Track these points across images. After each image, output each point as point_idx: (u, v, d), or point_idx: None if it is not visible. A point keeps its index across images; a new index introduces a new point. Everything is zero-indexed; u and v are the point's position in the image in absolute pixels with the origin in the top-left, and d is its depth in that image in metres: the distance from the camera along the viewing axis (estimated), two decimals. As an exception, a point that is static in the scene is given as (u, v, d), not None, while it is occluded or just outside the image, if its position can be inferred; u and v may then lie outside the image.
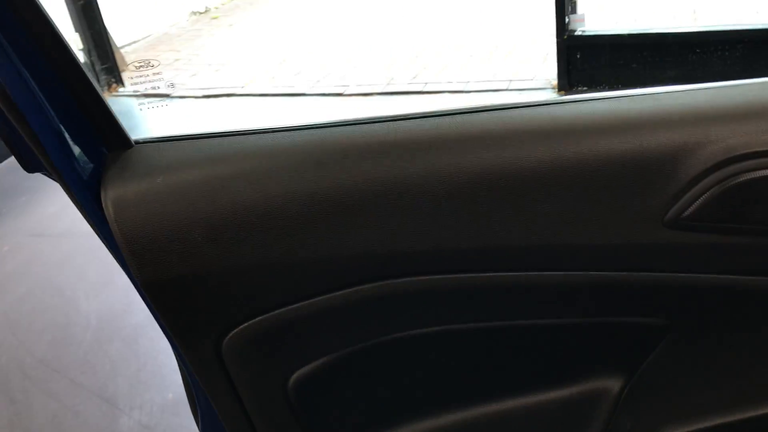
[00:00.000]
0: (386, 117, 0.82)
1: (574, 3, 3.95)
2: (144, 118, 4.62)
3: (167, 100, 4.76)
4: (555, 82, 4.10)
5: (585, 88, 4.03)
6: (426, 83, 4.50)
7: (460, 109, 0.81)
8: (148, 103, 4.44)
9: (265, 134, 0.81)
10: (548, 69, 4.30)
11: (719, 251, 0.79)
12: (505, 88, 4.26)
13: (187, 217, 0.75)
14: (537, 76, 4.33)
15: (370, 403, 0.95)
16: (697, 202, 0.76)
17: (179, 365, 0.92)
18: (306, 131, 0.81)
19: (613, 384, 0.95)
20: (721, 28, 3.85)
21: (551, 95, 4.07)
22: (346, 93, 4.53)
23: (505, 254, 0.80)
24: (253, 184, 0.75)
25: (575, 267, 0.82)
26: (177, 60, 5.58)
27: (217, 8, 7.17)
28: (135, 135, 0.82)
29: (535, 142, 0.77)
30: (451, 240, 0.78)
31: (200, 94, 4.75)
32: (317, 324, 0.84)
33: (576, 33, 3.96)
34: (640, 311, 0.86)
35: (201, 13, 7.01)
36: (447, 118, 0.81)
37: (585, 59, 3.99)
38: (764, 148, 0.74)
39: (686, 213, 0.76)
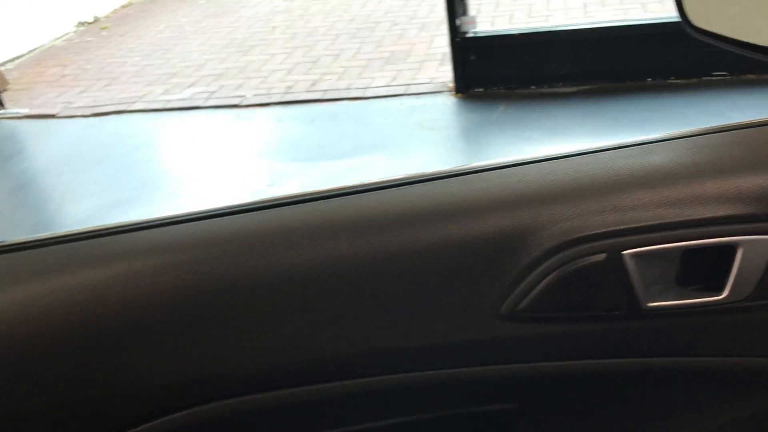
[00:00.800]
0: (178, 216, 0.75)
1: (465, 5, 3.95)
2: (30, 143, 4.37)
3: (54, 121, 4.53)
4: (451, 84, 4.10)
5: (481, 90, 4.04)
6: (325, 90, 4.42)
7: (267, 201, 0.75)
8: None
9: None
10: (445, 72, 4.29)
11: (558, 339, 0.75)
12: (403, 92, 4.23)
13: None
14: (434, 80, 4.32)
15: None
16: (531, 294, 0.72)
17: None
18: (90, 240, 0.73)
19: None
20: (609, 24, 3.93)
21: (449, 98, 4.06)
22: (242, 104, 4.41)
23: (338, 363, 0.74)
24: (26, 313, 0.67)
25: (417, 368, 0.77)
26: (64, 76, 5.32)
27: (107, 17, 6.87)
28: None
29: (354, 236, 0.71)
30: (280, 354, 0.72)
31: (89, 113, 4.53)
32: None
33: (468, 35, 3.96)
34: (488, 400, 0.82)
35: (89, 23, 6.70)
36: (262, 214, 0.74)
37: (479, 61, 4.00)
38: (595, 231, 0.71)
39: (521, 305, 0.72)
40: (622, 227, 0.71)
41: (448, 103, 4.05)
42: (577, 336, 0.75)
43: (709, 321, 0.74)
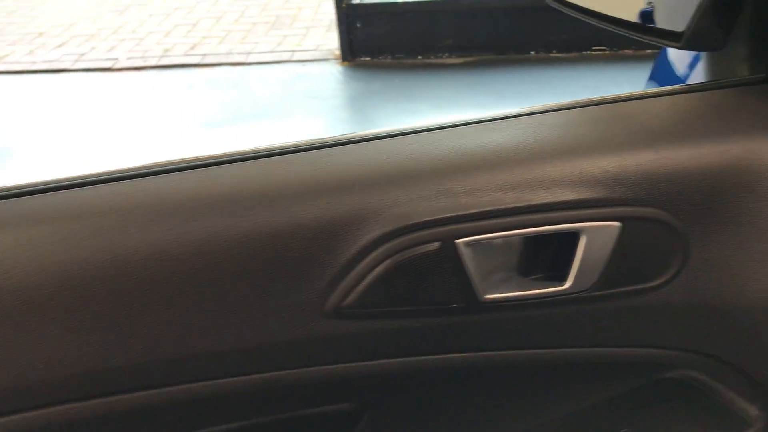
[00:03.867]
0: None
1: (351, -30, 3.83)
2: None
3: None
4: (338, 52, 3.98)
5: (368, 58, 3.94)
6: (204, 55, 4.21)
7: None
8: None
9: None
10: (331, 39, 4.16)
11: (390, 335, 0.68)
12: (287, 59, 4.08)
13: None
14: (320, 47, 4.19)
15: None
16: (357, 289, 0.63)
17: None
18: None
19: None
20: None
21: (335, 66, 3.95)
22: (115, 67, 4.13)
23: (163, 365, 0.64)
24: None
25: (238, 371, 0.67)
26: None
27: (-33, -32, 6.29)
28: None
29: (162, 219, 0.61)
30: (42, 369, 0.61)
31: (-60, 73, 4.13)
32: None
33: (354, 2, 3.85)
34: (324, 401, 0.74)
35: (-54, -26, 6.12)
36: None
37: (365, 29, 3.90)
38: (427, 218, 0.63)
39: (346, 301, 0.64)
40: (456, 214, 0.64)
41: (333, 71, 3.93)
42: (412, 331, 0.68)
43: (551, 312, 0.69)
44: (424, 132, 0.69)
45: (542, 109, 0.72)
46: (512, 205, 0.64)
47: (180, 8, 4.99)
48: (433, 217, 0.63)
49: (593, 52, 3.79)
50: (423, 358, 0.70)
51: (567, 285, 0.67)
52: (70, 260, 0.60)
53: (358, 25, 3.90)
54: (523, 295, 0.67)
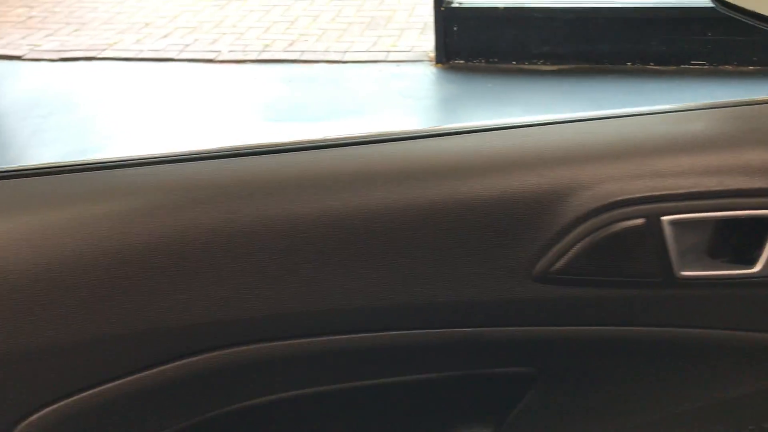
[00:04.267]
0: (213, 151, 0.71)
1: (452, -26, 3.90)
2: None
3: (19, 63, 4.36)
4: (432, 54, 4.06)
5: (462, 62, 4.00)
6: (303, 51, 4.34)
7: (303, 143, 0.71)
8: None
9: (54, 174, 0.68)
10: (426, 41, 4.24)
11: (589, 304, 0.74)
12: (383, 59, 4.17)
13: None
14: (414, 48, 4.27)
15: None
16: (567, 255, 0.70)
17: None
18: (111, 170, 0.69)
19: None
20: (593, 5, 3.92)
21: (429, 68, 4.02)
22: (217, 59, 4.30)
23: (353, 315, 0.71)
24: (38, 244, 0.62)
25: (438, 324, 0.74)
26: (30, 17, 5.11)
27: (76, -40, 6.61)
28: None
29: (389, 186, 0.68)
30: (296, 301, 0.69)
31: (56, 57, 4.37)
32: (137, 406, 0.72)
33: (453, 5, 3.92)
34: (506, 362, 0.80)
35: (58, -36, 6.44)
36: (288, 156, 0.70)
37: (462, 32, 3.96)
38: (636, 195, 0.69)
39: (555, 266, 0.70)
40: (663, 193, 0.69)
41: (428, 73, 4.00)
42: (608, 301, 0.74)
43: (741, 294, 0.74)
44: (631, 117, 0.75)
45: (739, 103, 0.77)
46: (715, 189, 0.69)
47: (278, 6, 5.14)
48: (641, 195, 0.69)
49: (692, 66, 3.76)
50: (613, 329, 0.76)
51: (757, 268, 0.72)
52: (328, 211, 0.67)
53: (455, 28, 3.96)
54: (716, 275, 0.72)
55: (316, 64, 4.18)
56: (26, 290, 0.63)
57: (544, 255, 0.70)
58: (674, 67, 3.78)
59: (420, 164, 0.71)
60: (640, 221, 0.70)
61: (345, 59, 4.21)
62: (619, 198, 0.69)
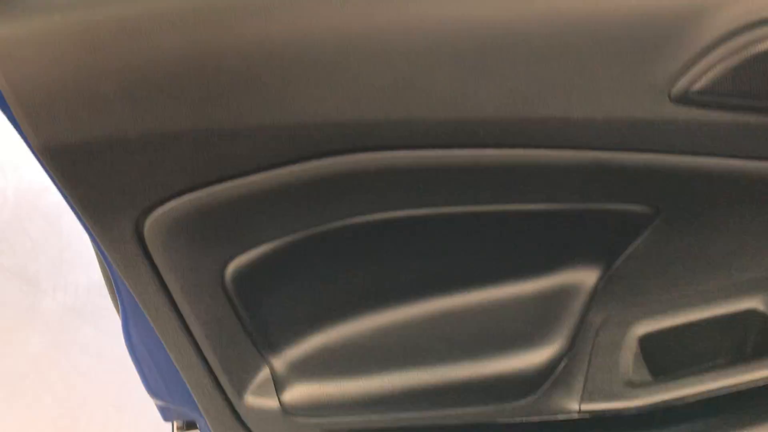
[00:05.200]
0: None
1: None
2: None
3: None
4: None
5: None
6: None
7: None
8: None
9: None
10: None
11: (729, 131, 0.68)
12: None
13: (95, 67, 0.59)
14: None
15: (320, 296, 0.84)
16: (710, 74, 0.64)
17: (94, 247, 0.79)
18: None
19: (589, 276, 0.87)
20: None
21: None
22: None
23: (484, 127, 0.68)
24: (180, 28, 0.60)
25: (562, 143, 0.70)
26: None
27: None
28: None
29: None
30: (425, 108, 0.65)
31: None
32: (261, 204, 0.71)
33: None
34: (626, 197, 0.76)
35: None
36: None
37: None
38: None
39: (696, 86, 0.65)
40: None
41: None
42: (752, 128, 0.68)
43: None
44: None
45: None
46: None
47: None
48: None
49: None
50: (751, 163, 0.71)
51: None
52: (444, 21, 0.63)
53: None
54: None
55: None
56: (166, 71, 0.61)
57: (685, 73, 0.65)
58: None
59: None
60: None
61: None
62: None
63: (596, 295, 0.89)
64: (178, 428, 1.00)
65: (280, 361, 0.86)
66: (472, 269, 0.86)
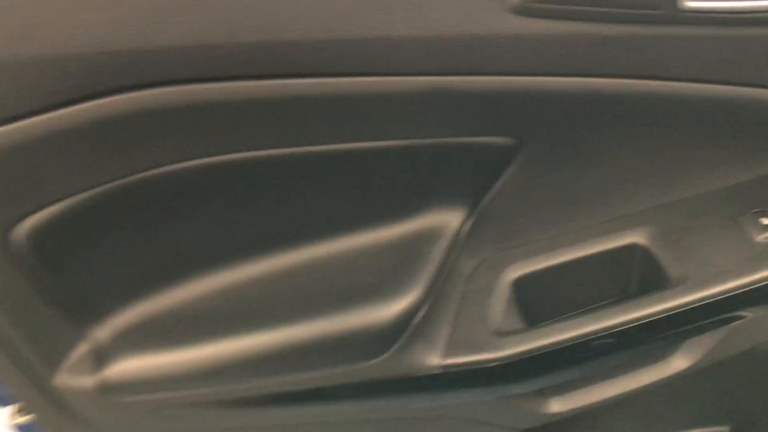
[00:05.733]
0: None
1: None
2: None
3: None
4: None
5: None
6: None
7: None
8: None
9: None
10: None
11: (578, 45, 0.59)
12: None
13: None
14: None
15: (144, 260, 0.74)
16: None
17: None
18: None
19: (451, 219, 0.78)
20: None
21: None
22: None
23: (294, 52, 0.58)
24: None
25: (387, 69, 0.61)
26: None
27: None
28: None
29: None
30: (221, 31, 0.55)
31: None
32: (42, 153, 0.60)
33: None
34: (482, 128, 0.67)
35: None
36: None
37: None
38: None
39: None
40: None
41: None
42: (599, 41, 0.59)
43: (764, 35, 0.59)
44: None
45: None
46: None
47: None
48: None
49: None
50: (608, 81, 0.62)
51: None
52: None
53: None
54: (732, 7, 0.57)
55: None
56: None
57: None
58: None
59: None
60: None
61: None
62: None
63: (466, 239, 0.81)
64: (16, 411, 0.90)
65: (102, 334, 0.75)
66: (317, 219, 0.76)
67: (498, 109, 0.67)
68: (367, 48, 0.59)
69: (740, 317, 0.80)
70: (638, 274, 0.85)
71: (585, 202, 0.82)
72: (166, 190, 0.69)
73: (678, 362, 0.83)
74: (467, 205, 0.79)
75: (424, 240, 0.77)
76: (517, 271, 0.82)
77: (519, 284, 0.82)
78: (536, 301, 0.84)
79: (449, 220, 0.79)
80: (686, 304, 0.76)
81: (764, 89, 0.67)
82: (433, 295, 0.77)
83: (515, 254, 0.83)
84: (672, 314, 0.76)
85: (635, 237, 0.83)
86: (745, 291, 0.76)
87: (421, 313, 0.76)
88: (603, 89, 0.65)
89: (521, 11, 0.57)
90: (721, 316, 0.79)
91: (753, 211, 0.80)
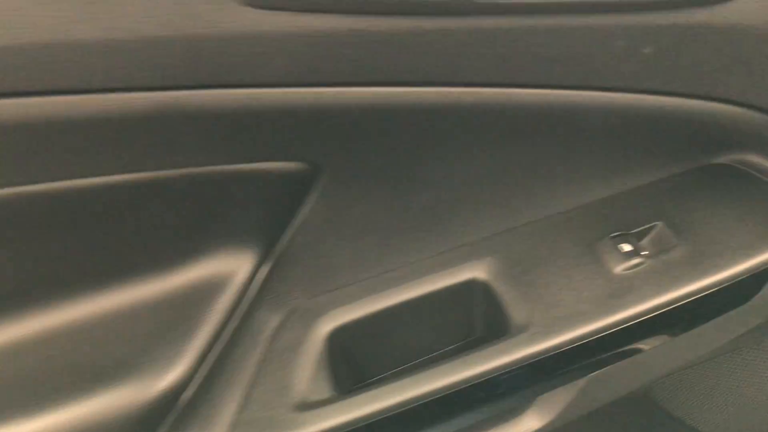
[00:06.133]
0: None
1: None
2: None
3: None
4: None
5: None
6: None
7: None
8: None
9: None
10: None
11: (352, 44, 0.44)
12: None
13: None
14: None
15: None
16: None
17: None
18: None
19: (241, 263, 0.62)
20: None
21: None
22: None
23: None
24: None
25: (104, 84, 0.44)
26: None
27: None
28: None
29: None
30: None
31: None
32: None
33: None
34: (267, 152, 0.52)
35: None
36: None
37: None
38: None
39: None
40: None
41: None
42: (375, 39, 0.44)
43: (565, 25, 0.45)
44: None
45: None
46: None
47: None
48: None
49: None
50: (408, 89, 0.47)
51: None
52: None
53: None
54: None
55: None
56: None
57: None
58: None
59: None
60: None
61: None
62: None
63: (265, 286, 0.65)
64: None
65: None
66: (58, 272, 0.58)
67: (277, 129, 0.52)
68: (60, 56, 0.42)
69: (598, 366, 0.66)
70: (482, 314, 0.71)
71: (412, 231, 0.67)
72: None
73: (529, 422, 0.70)
74: (260, 246, 0.63)
75: (199, 294, 0.61)
76: (333, 322, 0.67)
77: (336, 338, 0.66)
78: (361, 357, 0.69)
79: (236, 265, 0.62)
80: (529, 357, 0.62)
81: (605, 92, 0.54)
82: (210, 365, 0.60)
83: (330, 300, 0.67)
84: (514, 369, 0.62)
85: (474, 271, 0.68)
86: (600, 337, 0.62)
87: (191, 390, 0.59)
88: (405, 99, 0.50)
89: (256, 2, 0.41)
90: (574, 366, 0.65)
91: (612, 235, 0.67)
